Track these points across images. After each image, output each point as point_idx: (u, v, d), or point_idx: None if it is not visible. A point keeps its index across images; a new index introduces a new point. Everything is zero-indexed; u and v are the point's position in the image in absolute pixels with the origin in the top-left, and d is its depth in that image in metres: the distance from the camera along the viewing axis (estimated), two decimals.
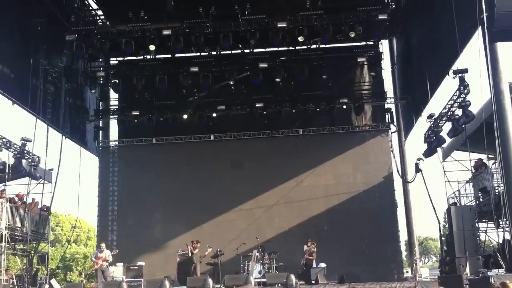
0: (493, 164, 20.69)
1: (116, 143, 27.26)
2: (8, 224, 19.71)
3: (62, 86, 23.25)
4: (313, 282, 18.77)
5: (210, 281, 16.77)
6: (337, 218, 24.51)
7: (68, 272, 47.24)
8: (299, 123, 25.66)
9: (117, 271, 20.71)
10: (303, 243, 21.26)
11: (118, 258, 20.84)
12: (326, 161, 25.62)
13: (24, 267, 21.24)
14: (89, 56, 22.67)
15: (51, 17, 21.03)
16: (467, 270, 16.43)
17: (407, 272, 27.53)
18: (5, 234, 19.15)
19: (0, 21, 19.11)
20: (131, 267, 20.87)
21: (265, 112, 25.02)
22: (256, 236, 20.93)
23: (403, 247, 28.82)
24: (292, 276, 16.75)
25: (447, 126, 19.91)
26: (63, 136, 23.26)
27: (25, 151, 19.93)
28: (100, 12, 22.96)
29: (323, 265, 20.40)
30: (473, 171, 21.93)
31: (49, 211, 23.18)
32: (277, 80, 23.34)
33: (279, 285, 17.11)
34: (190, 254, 20.40)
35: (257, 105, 24.75)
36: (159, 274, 20.67)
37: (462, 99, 18.02)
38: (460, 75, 17.60)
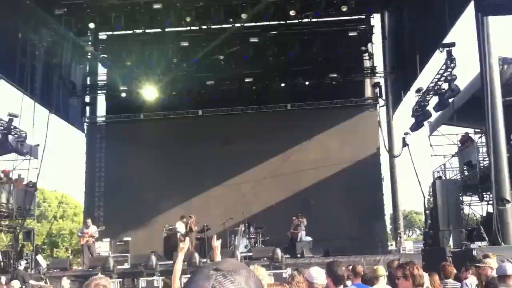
0: (479, 138, 21.13)
1: (104, 119, 27.11)
2: None
3: (50, 61, 22.99)
4: (298, 255, 19.00)
5: (196, 255, 17.00)
6: (323, 192, 24.71)
7: (54, 248, 47.12)
8: (288, 98, 25.72)
9: (103, 247, 20.78)
10: (290, 217, 21.51)
11: (105, 233, 20.97)
12: (314, 136, 25.73)
13: (9, 243, 21.18)
14: (78, 31, 22.37)
15: None
16: (451, 242, 16.84)
17: (391, 245, 27.99)
18: None
19: None
20: (118, 243, 20.95)
21: (254, 87, 25.04)
22: (242, 211, 21.11)
23: (388, 221, 29.25)
24: (278, 250, 17.06)
25: (434, 100, 20.21)
26: (50, 112, 23.05)
27: (12, 127, 19.77)
28: None
29: (308, 238, 20.65)
30: (459, 145, 22.37)
31: (35, 187, 23.08)
32: (267, 54, 23.35)
33: (265, 259, 17.39)
34: (188, 230, 20.47)
35: (246, 80, 24.73)
36: (145, 249, 20.68)
37: (448, 73, 18.34)
38: (447, 48, 17.89)
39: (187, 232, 20.36)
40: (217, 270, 1.99)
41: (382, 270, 7.66)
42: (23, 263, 17.93)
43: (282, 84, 24.81)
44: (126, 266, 19.08)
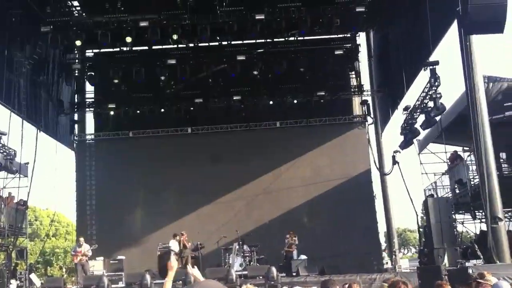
0: (468, 156, 20.95)
1: (93, 136, 26.98)
2: None
3: (37, 79, 22.90)
4: (294, 274, 18.74)
5: (198, 275, 16.73)
6: (316, 210, 24.60)
7: (48, 266, 46.87)
8: (276, 116, 25.64)
9: (97, 265, 20.57)
10: (283, 235, 21.31)
11: (98, 252, 20.77)
12: (304, 154, 25.61)
13: (2, 261, 20.99)
14: (64, 48, 22.33)
15: (26, 8, 20.61)
16: (445, 261, 16.61)
17: (386, 263, 27.73)
18: None
19: None
20: (112, 261, 20.72)
21: (242, 105, 24.97)
22: (236, 229, 20.92)
23: (382, 239, 29.02)
24: (273, 269, 16.79)
25: (421, 118, 20.09)
26: (38, 130, 22.92)
27: (0, 145, 19.64)
28: (76, 3, 22.59)
29: (303, 257, 20.47)
30: (449, 163, 22.19)
31: (26, 205, 22.91)
32: (255, 72, 23.28)
33: (260, 277, 17.17)
34: (181, 247, 20.27)
35: (235, 97, 24.67)
36: (140, 267, 20.52)
37: (433, 91, 18.23)
38: (431, 67, 17.80)
39: (181, 250, 20.18)
40: None
41: None
42: (14, 282, 17.71)
43: (271, 102, 24.70)
44: (121, 285, 18.80)
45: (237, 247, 20.10)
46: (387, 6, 21.44)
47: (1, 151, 19.69)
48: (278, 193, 25.14)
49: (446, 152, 22.56)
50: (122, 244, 23.69)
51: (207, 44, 23.15)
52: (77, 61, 24.07)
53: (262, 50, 23.71)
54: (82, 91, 26.49)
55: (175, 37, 21.32)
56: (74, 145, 26.80)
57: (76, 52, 23.84)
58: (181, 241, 20.23)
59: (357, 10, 21.26)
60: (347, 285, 8.99)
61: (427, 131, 20.93)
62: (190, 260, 20.08)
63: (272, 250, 21.22)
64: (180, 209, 24.72)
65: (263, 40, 23.65)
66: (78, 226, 26.55)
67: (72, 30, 21.40)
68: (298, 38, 22.94)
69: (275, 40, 23.23)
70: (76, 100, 26.71)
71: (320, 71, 24.07)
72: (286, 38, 22.84)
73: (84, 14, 22.09)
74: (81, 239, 20.07)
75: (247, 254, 20.23)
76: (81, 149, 26.70)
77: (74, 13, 22.30)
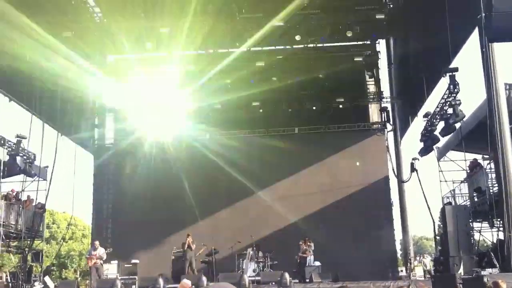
0: (488, 164, 20.81)
1: (112, 141, 27.18)
2: (3, 222, 19.69)
3: (58, 84, 23.15)
4: (307, 280, 18.75)
5: (204, 279, 16.83)
6: (332, 216, 24.53)
7: (63, 269, 47.18)
8: (295, 122, 25.66)
9: (111, 269, 20.69)
10: (298, 241, 21.28)
11: (113, 256, 20.84)
12: (322, 160, 25.66)
13: (18, 264, 21.19)
14: (85, 53, 22.55)
15: (49, 14, 20.90)
16: (461, 269, 16.49)
17: (401, 271, 27.59)
18: (0, 231, 19.13)
19: None
20: (126, 265, 20.87)
21: (261, 110, 25.02)
22: (251, 235, 20.96)
23: (398, 246, 28.90)
24: (286, 275, 16.81)
25: (441, 125, 20.00)
26: (59, 134, 23.18)
27: (20, 148, 19.88)
28: (97, 10, 22.88)
29: (317, 263, 20.45)
30: (468, 171, 22.04)
31: (44, 208, 23.13)
32: (274, 79, 23.34)
33: (273, 283, 17.20)
34: (185, 248, 20.40)
35: (254, 103, 24.75)
36: (153, 272, 20.60)
37: (452, 98, 18.11)
38: (450, 74, 17.72)
39: (185, 250, 20.26)
40: None
41: None
42: (39, 285, 17.87)
43: (289, 109, 24.75)
44: None
45: (251, 252, 20.16)
46: (407, 13, 21.40)
47: (21, 154, 19.97)
48: (295, 199, 25.14)
49: (465, 160, 22.44)
50: (136, 248, 23.80)
51: (226, 50, 23.31)
52: (97, 65, 24.21)
53: (281, 57, 23.76)
54: (102, 96, 26.73)
55: (195, 43, 21.51)
56: (94, 149, 27.03)
57: (97, 57, 24.03)
58: (186, 242, 20.35)
59: (377, 17, 21.24)
60: None
61: (447, 138, 20.81)
62: (194, 262, 20.20)
63: (287, 256, 21.21)
64: (195, 214, 24.76)
65: (282, 47, 23.75)
66: (94, 230, 26.77)
67: (93, 35, 21.63)
68: (318, 45, 23.01)
69: (294, 46, 23.22)
70: (96, 105, 26.96)
71: (339, 78, 24.08)
72: (305, 45, 22.86)
73: (105, 20, 22.32)
74: (96, 242, 20.23)
75: (261, 260, 20.31)
76: (100, 153, 26.98)
77: (96, 19, 22.55)
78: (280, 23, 20.68)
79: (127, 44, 21.65)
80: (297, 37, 21.14)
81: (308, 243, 21.02)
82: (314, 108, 24.80)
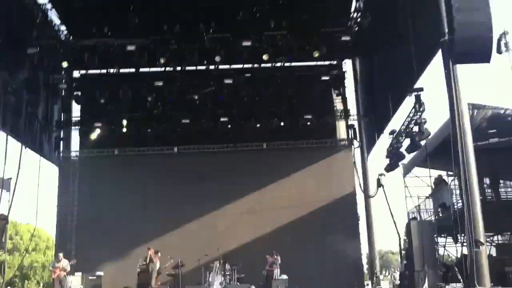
0: (452, 180, 21.18)
1: (78, 153, 26.87)
2: None
3: (23, 97, 22.83)
4: None
5: None
6: (299, 231, 24.64)
7: (26, 281, 46.22)
8: (263, 137, 25.81)
9: (75, 281, 20.54)
10: (265, 255, 21.37)
11: (77, 268, 20.66)
12: (289, 175, 25.78)
13: None
14: (51, 69, 22.30)
15: (12, 31, 20.61)
16: (426, 284, 16.73)
17: (367, 284, 27.77)
18: None
19: None
20: (90, 277, 20.70)
21: (229, 126, 25.10)
22: (218, 248, 20.95)
23: (364, 260, 29.10)
24: None
25: (406, 142, 20.31)
26: (23, 146, 22.84)
27: None
28: (63, 28, 22.68)
29: (284, 277, 20.51)
30: (433, 187, 22.40)
31: (7, 219, 22.71)
32: (242, 95, 23.43)
33: None
34: (147, 261, 20.28)
35: (222, 119, 24.80)
36: (118, 284, 20.48)
37: (418, 116, 18.45)
38: (416, 93, 18.05)
39: (147, 264, 20.13)
40: None
41: None
42: None
43: (258, 124, 24.88)
44: None
45: (218, 265, 20.14)
46: (372, 35, 21.69)
47: None
48: (262, 213, 25.20)
49: (430, 176, 22.81)
50: (101, 260, 23.56)
51: (194, 67, 23.30)
52: (64, 81, 23.91)
53: (249, 75, 23.91)
54: (68, 109, 26.44)
55: (162, 60, 21.47)
56: (59, 161, 26.68)
57: (63, 73, 23.75)
58: (147, 256, 20.23)
59: (342, 39, 21.55)
60: None
61: (412, 155, 21.13)
62: (155, 275, 20.06)
63: (254, 270, 21.34)
64: (162, 227, 24.67)
65: (250, 65, 23.93)
66: (58, 241, 26.41)
67: (59, 52, 21.41)
68: (285, 64, 23.21)
69: (262, 65, 23.42)
70: (62, 118, 26.59)
71: (306, 96, 24.29)
72: (273, 64, 23.06)
73: (71, 37, 22.12)
74: (60, 254, 20.03)
75: (228, 273, 20.32)
76: (66, 166, 26.59)
77: (61, 36, 22.32)
78: (248, 43, 20.81)
79: (93, 60, 21.42)
80: (265, 57, 21.22)
81: (275, 257, 21.10)
82: (282, 124, 24.89)
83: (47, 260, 45.51)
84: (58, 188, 26.47)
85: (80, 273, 20.82)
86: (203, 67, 23.21)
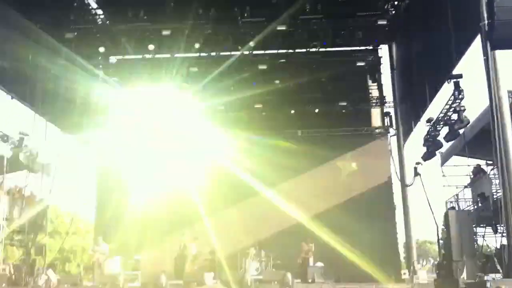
0: (491, 170, 20.70)
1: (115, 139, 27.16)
2: (6, 216, 19.90)
3: (61, 82, 23.26)
4: (309, 281, 18.71)
5: (207, 275, 16.90)
6: (335, 219, 24.39)
7: (66, 263, 47.32)
8: (297, 125, 25.56)
9: (114, 264, 20.74)
10: (300, 242, 21.26)
11: (116, 251, 20.92)
12: (324, 163, 25.50)
13: (21, 257, 21.38)
14: (88, 54, 22.62)
15: (51, 16, 21.00)
16: (464, 274, 16.46)
17: (404, 274, 27.46)
18: (3, 225, 19.31)
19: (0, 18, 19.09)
20: (129, 261, 20.97)
21: (264, 113, 25.00)
22: (254, 234, 20.97)
23: (401, 250, 28.77)
24: (289, 274, 16.88)
25: (444, 131, 19.93)
26: (62, 132, 23.35)
27: (23, 145, 20.09)
28: (99, 12, 22.95)
29: (320, 264, 20.40)
30: (472, 176, 21.93)
31: (48, 204, 23.31)
32: (276, 82, 23.27)
33: (275, 282, 17.21)
34: (183, 245, 20.46)
35: (256, 106, 24.72)
36: (156, 268, 20.50)
37: (457, 104, 18.08)
38: (455, 80, 17.64)
39: (183, 248, 20.31)
40: None
41: None
42: (44, 277, 17.97)
43: (292, 111, 24.68)
44: (137, 284, 18.90)
45: (254, 251, 20.15)
46: (410, 19, 21.32)
47: (24, 151, 20.14)
48: (297, 201, 24.97)
49: (469, 165, 22.33)
50: (140, 244, 23.79)
51: (228, 53, 23.31)
52: (100, 66, 24.26)
53: (283, 60, 23.73)
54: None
55: (197, 46, 21.53)
56: (97, 147, 26.94)
57: (99, 58, 24.06)
58: (182, 240, 20.40)
59: (379, 23, 21.19)
60: None
61: (450, 143, 20.74)
62: (190, 261, 20.22)
63: (289, 257, 21.11)
64: (199, 212, 24.74)
65: (284, 51, 23.72)
66: (97, 225, 26.83)
67: (95, 37, 21.67)
68: (320, 50, 22.98)
69: (296, 50, 23.19)
70: (99, 104, 26.84)
71: (341, 82, 24.05)
72: (308, 49, 22.81)
73: (107, 22, 22.35)
74: (100, 238, 20.39)
75: (264, 260, 20.29)
76: (103, 151, 26.82)
77: (98, 20, 22.60)
78: (282, 27, 20.65)
79: (129, 45, 21.64)
80: (299, 42, 21.06)
81: (310, 244, 21.03)
82: (316, 111, 24.68)
83: (87, 243, 46.46)
84: (97, 173, 26.90)
85: (118, 257, 21.00)
86: (237, 53, 23.11)
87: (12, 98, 21.12)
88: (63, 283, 18.82)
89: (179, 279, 18.63)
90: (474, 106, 19.28)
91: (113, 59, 25.18)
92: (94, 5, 21.91)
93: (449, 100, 18.53)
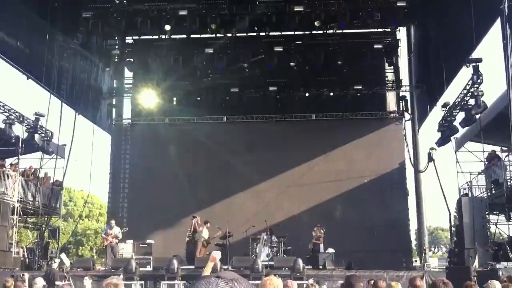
0: (506, 156, 20.56)
1: (129, 121, 27.31)
2: (20, 198, 20.00)
3: (77, 63, 23.32)
4: (320, 267, 18.74)
5: (218, 262, 16.88)
6: (347, 204, 24.50)
7: (79, 246, 47.82)
8: (312, 108, 25.52)
9: (126, 248, 20.87)
10: (312, 227, 21.28)
11: (128, 235, 21.05)
12: (338, 147, 25.54)
13: (35, 240, 21.50)
14: (104, 34, 22.64)
15: None
16: (476, 261, 16.42)
17: (415, 261, 27.42)
18: (17, 207, 19.43)
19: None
20: (141, 245, 21.02)
21: (278, 96, 24.99)
22: (265, 219, 20.99)
23: (413, 236, 28.72)
24: (300, 261, 16.86)
25: (460, 116, 19.78)
26: (76, 113, 23.38)
27: (38, 126, 20.15)
28: None
29: (331, 250, 20.38)
30: (486, 162, 21.79)
31: (61, 186, 23.45)
32: (292, 64, 23.20)
33: (286, 268, 17.22)
34: (192, 230, 20.52)
35: (271, 88, 24.70)
36: (168, 253, 20.72)
37: (475, 88, 17.94)
38: (474, 64, 17.48)
39: (192, 233, 20.34)
40: (219, 278, 2.20)
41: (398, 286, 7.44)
42: (57, 261, 18.13)
43: (307, 94, 24.63)
44: (149, 268, 18.95)
45: (265, 237, 20.16)
46: (429, 1, 21.09)
47: (39, 132, 20.23)
48: (310, 186, 25.03)
49: (483, 151, 22.20)
50: (152, 229, 23.97)
51: (245, 34, 23.21)
52: (117, 47, 24.30)
53: (300, 42, 23.61)
54: (120, 77, 26.87)
55: (213, 26, 21.50)
56: (111, 129, 27.20)
57: (116, 38, 24.09)
58: (192, 224, 20.43)
59: (398, 4, 20.95)
60: (372, 281, 8.96)
61: (464, 129, 20.60)
62: (200, 244, 20.26)
63: (300, 242, 21.24)
64: (211, 196, 24.93)
65: (301, 32, 23.61)
66: (110, 209, 27.03)
67: (112, 16, 21.69)
68: (337, 31, 22.83)
69: (313, 32, 23.06)
70: (114, 85, 27.09)
71: (357, 65, 23.83)
72: (325, 31, 22.67)
73: (124, 1, 22.34)
74: (112, 221, 20.42)
75: (275, 245, 20.29)
76: (117, 133, 27.12)
77: (115, 0, 22.57)
78: (300, 8, 20.51)
79: (146, 25, 21.63)
80: (317, 23, 20.93)
81: (321, 230, 21.01)
82: (331, 94, 24.60)
83: (99, 226, 46.85)
84: (111, 156, 27.01)
85: (131, 241, 21.12)
86: (254, 34, 23.00)
87: (27, 78, 21.15)
88: (76, 267, 18.95)
89: (190, 264, 18.65)
90: (491, 90, 19.14)
91: (129, 39, 25.26)
92: None
93: (467, 84, 18.39)
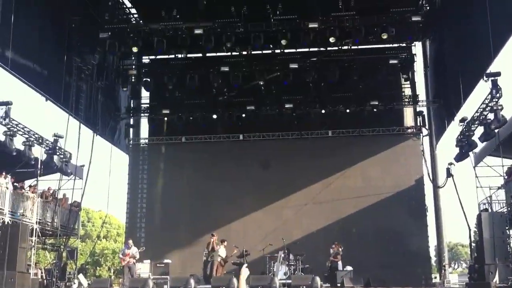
0: None
1: (146, 141, 27.46)
2: (39, 219, 20.07)
3: (94, 84, 23.52)
4: (338, 285, 18.61)
5: (235, 281, 16.74)
6: (365, 221, 24.31)
7: (97, 267, 47.84)
8: (328, 125, 25.51)
9: (144, 268, 20.77)
10: (330, 245, 21.13)
11: (146, 255, 20.97)
12: (355, 164, 25.43)
13: (53, 261, 21.51)
14: (121, 54, 22.89)
15: (85, 15, 21.29)
16: (496, 277, 16.16)
17: (435, 277, 27.09)
18: (36, 229, 19.49)
19: (34, 17, 19.37)
20: (158, 265, 20.93)
21: (294, 113, 25.01)
22: (282, 237, 20.87)
23: (432, 252, 28.41)
24: (318, 279, 16.67)
25: (479, 131, 19.58)
26: (95, 133, 23.51)
27: (57, 147, 20.24)
28: (133, 11, 23.21)
29: (349, 268, 20.22)
30: (506, 177, 21.54)
31: (80, 206, 23.49)
32: (307, 81, 23.24)
33: (304, 287, 17.04)
34: (209, 249, 20.41)
35: (287, 105, 24.77)
36: (185, 272, 20.69)
37: (494, 103, 17.73)
38: (492, 78, 17.31)
39: (209, 252, 20.21)
40: None
41: None
42: (76, 282, 18.10)
43: (323, 111, 24.64)
44: None
45: (283, 255, 20.01)
46: (444, 15, 21.05)
47: (58, 153, 20.32)
48: (327, 203, 24.95)
49: (503, 166, 21.95)
50: (169, 248, 24.03)
51: (260, 52, 23.33)
52: (133, 67, 24.57)
53: (315, 59, 23.68)
54: (137, 97, 27.12)
55: (228, 44, 21.67)
56: (129, 149, 27.36)
57: (132, 58, 24.35)
58: (210, 243, 20.33)
59: (413, 19, 20.96)
60: None
61: (483, 143, 20.39)
62: (217, 264, 20.12)
63: (318, 260, 21.10)
64: (228, 215, 24.88)
65: (316, 49, 23.71)
66: (128, 229, 27.02)
67: (129, 36, 21.94)
68: (352, 47, 22.90)
69: (328, 48, 23.19)
70: (131, 105, 27.29)
71: (373, 81, 23.78)
72: (340, 47, 22.71)
73: (141, 21, 22.59)
74: (130, 241, 20.35)
75: (292, 263, 20.10)
76: (135, 153, 27.25)
77: (132, 20, 22.87)
78: (315, 25, 20.59)
79: (162, 45, 21.82)
80: (332, 39, 20.97)
81: (339, 248, 20.86)
82: (347, 110, 24.57)
83: (117, 247, 46.89)
84: (128, 176, 27.12)
85: (148, 261, 21.05)
86: (269, 51, 23.09)
87: (46, 100, 21.35)
88: (93, 287, 18.92)
89: (208, 283, 18.53)
90: (509, 103, 18.94)
91: (146, 59, 25.50)
92: (128, 4, 22.08)
93: (485, 99, 18.18)
